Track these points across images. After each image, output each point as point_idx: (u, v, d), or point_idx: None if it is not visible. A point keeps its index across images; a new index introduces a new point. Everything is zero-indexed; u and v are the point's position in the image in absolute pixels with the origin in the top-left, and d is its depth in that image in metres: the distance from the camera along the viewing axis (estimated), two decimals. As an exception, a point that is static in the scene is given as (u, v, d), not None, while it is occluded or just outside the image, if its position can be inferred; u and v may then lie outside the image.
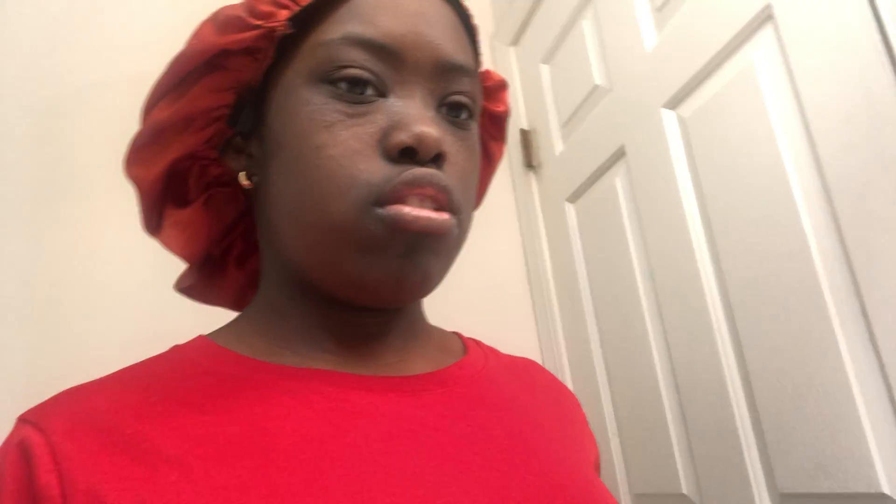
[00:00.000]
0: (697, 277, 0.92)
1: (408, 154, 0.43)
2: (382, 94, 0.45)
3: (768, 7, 0.80)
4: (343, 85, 0.44)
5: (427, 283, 0.46)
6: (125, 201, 1.11)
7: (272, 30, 0.45)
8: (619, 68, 1.13)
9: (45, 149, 1.17)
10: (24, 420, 0.41)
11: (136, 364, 0.46)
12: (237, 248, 0.57)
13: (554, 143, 1.38)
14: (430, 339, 0.54)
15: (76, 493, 0.36)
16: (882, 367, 0.67)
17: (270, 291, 0.51)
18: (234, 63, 0.47)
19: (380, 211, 0.42)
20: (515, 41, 1.55)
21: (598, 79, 1.20)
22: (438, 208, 0.43)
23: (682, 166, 0.97)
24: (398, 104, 0.44)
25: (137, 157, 0.50)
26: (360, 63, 0.44)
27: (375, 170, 0.42)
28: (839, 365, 0.71)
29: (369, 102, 0.44)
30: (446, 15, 0.48)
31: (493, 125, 0.59)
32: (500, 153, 0.61)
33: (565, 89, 1.34)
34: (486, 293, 1.37)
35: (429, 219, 0.42)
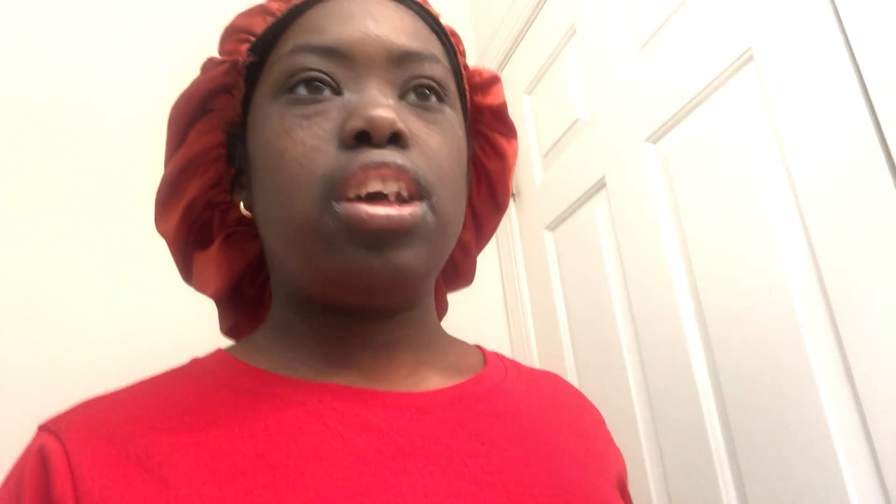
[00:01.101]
0: (675, 308, 0.94)
1: (363, 139, 0.43)
2: (338, 92, 0.46)
3: (749, 49, 0.83)
4: (299, 90, 0.45)
5: (404, 277, 0.44)
6: (124, 203, 1.11)
7: (235, 62, 0.49)
8: (602, 102, 1.16)
9: (42, 150, 1.16)
10: (44, 428, 0.42)
11: (156, 376, 0.47)
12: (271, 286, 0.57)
13: (534, 173, 1.40)
14: (449, 352, 0.54)
15: (89, 502, 0.37)
16: (857, 400, 0.68)
17: (279, 310, 0.52)
18: (218, 103, 0.51)
19: (336, 207, 0.42)
20: (498, 72, 1.58)
21: (579, 112, 1.23)
22: (407, 195, 0.43)
23: (663, 199, 0.99)
24: (353, 97, 0.45)
25: (161, 212, 0.53)
26: (310, 66, 0.45)
27: (331, 161, 0.43)
28: (815, 398, 0.72)
29: (325, 101, 0.45)
30: (396, 11, 0.49)
31: (496, 120, 0.59)
32: (513, 149, 0.60)
33: (547, 120, 1.37)
34: (462, 319, 1.36)
35: (387, 217, 0.41)
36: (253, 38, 0.49)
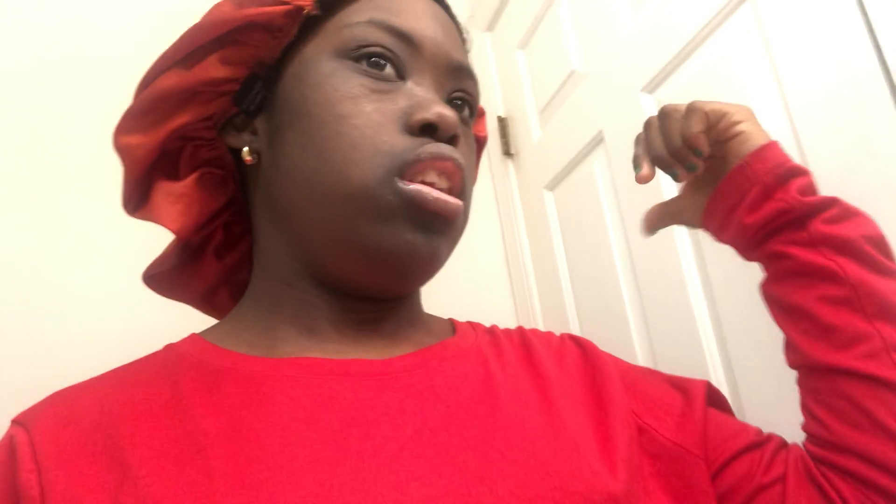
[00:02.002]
0: (679, 264, 0.91)
1: (427, 131, 0.46)
2: (402, 76, 0.48)
3: (746, -14, 0.78)
4: (365, 63, 0.46)
5: (435, 262, 0.47)
6: (106, 194, 1.09)
7: (300, 8, 0.48)
8: (596, 53, 1.12)
9: (14, 141, 1.13)
10: (15, 421, 0.42)
11: (129, 364, 0.48)
12: (217, 238, 0.56)
13: (531, 131, 1.37)
14: (420, 325, 0.54)
15: (53, 492, 0.37)
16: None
17: (266, 280, 0.51)
18: (253, 38, 0.48)
19: (401, 184, 0.44)
20: (491, 27, 1.53)
21: (575, 64, 1.19)
22: (450, 192, 0.46)
23: (661, 151, 0.96)
24: (417, 89, 0.47)
25: (133, 124, 0.50)
26: (384, 43, 0.47)
27: (397, 141, 0.45)
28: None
29: (391, 81, 0.47)
30: (453, 26, 0.53)
31: (478, 151, 0.61)
32: (473, 181, 0.61)
33: (542, 75, 1.33)
34: (465, 283, 1.35)
35: (446, 202, 0.45)
36: None
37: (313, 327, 0.48)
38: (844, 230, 0.48)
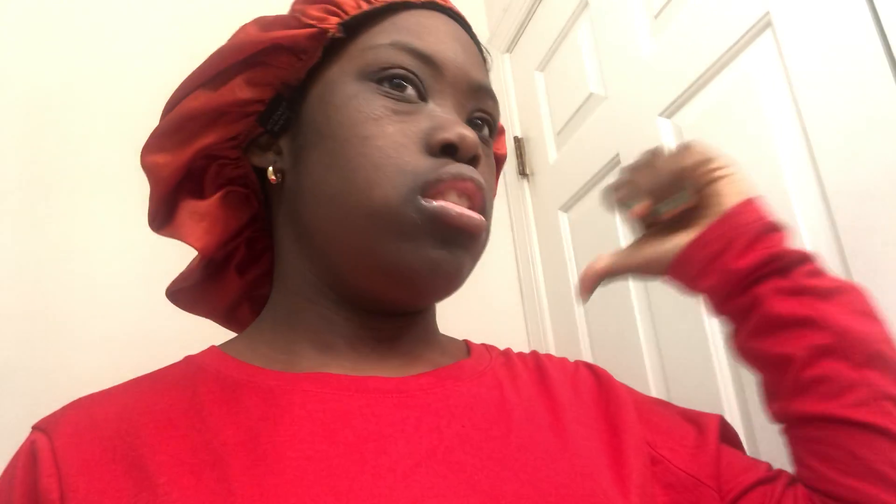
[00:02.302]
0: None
1: (448, 152, 0.46)
2: (423, 98, 0.48)
3: (767, 14, 0.78)
4: (388, 84, 0.47)
5: (458, 278, 0.48)
6: (117, 200, 1.10)
7: (325, 31, 0.49)
8: (615, 76, 1.12)
9: (35, 146, 1.14)
10: (36, 427, 0.43)
11: (149, 373, 0.48)
12: (240, 255, 0.57)
13: (548, 152, 1.37)
14: (436, 345, 0.55)
15: (74, 498, 0.38)
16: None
17: (286, 296, 0.52)
18: (278, 60, 0.50)
19: (424, 202, 0.44)
20: (510, 48, 1.54)
21: (593, 87, 1.19)
22: (472, 209, 0.46)
23: (678, 175, 0.95)
24: (438, 110, 0.48)
25: (160, 143, 0.51)
26: (406, 65, 0.48)
27: (420, 162, 0.45)
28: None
29: (413, 103, 0.47)
30: (474, 47, 0.54)
31: (497, 170, 0.61)
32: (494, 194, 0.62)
33: (560, 97, 1.33)
34: (477, 302, 1.34)
35: (469, 217, 0.45)
36: (344, 15, 0.49)
37: (331, 344, 0.49)
38: (826, 282, 0.48)
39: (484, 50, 0.56)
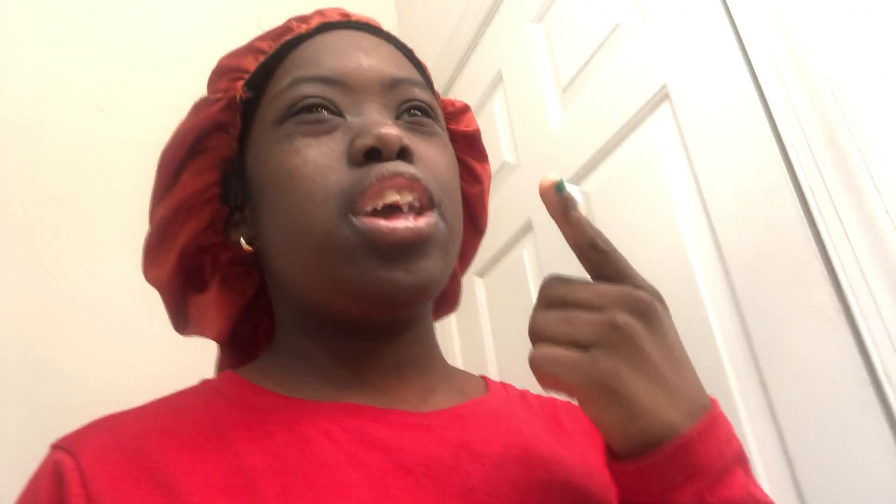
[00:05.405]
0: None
1: (373, 156, 0.45)
2: (340, 114, 0.48)
3: (665, 86, 0.84)
4: (302, 115, 0.47)
5: (426, 285, 0.45)
6: (118, 233, 1.08)
7: (232, 98, 0.50)
8: (527, 145, 1.16)
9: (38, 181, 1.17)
10: (57, 446, 0.42)
11: (168, 396, 0.48)
12: (264, 325, 0.58)
13: (464, 219, 1.39)
14: (453, 379, 0.55)
15: None
16: (780, 434, 0.67)
17: (287, 337, 0.52)
18: (212, 142, 0.51)
19: (354, 221, 0.43)
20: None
21: (507, 156, 1.23)
22: (419, 206, 0.45)
23: (587, 239, 0.98)
24: (356, 119, 0.47)
25: (152, 258, 0.53)
26: (310, 94, 0.48)
27: (345, 177, 0.45)
28: (741, 434, 0.70)
29: (328, 121, 0.47)
30: (381, 45, 0.52)
31: (470, 147, 0.60)
32: (487, 173, 0.63)
33: (476, 166, 1.36)
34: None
35: (406, 228, 0.43)
36: (246, 76, 0.51)
37: (339, 374, 0.49)
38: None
39: (400, 43, 0.55)
